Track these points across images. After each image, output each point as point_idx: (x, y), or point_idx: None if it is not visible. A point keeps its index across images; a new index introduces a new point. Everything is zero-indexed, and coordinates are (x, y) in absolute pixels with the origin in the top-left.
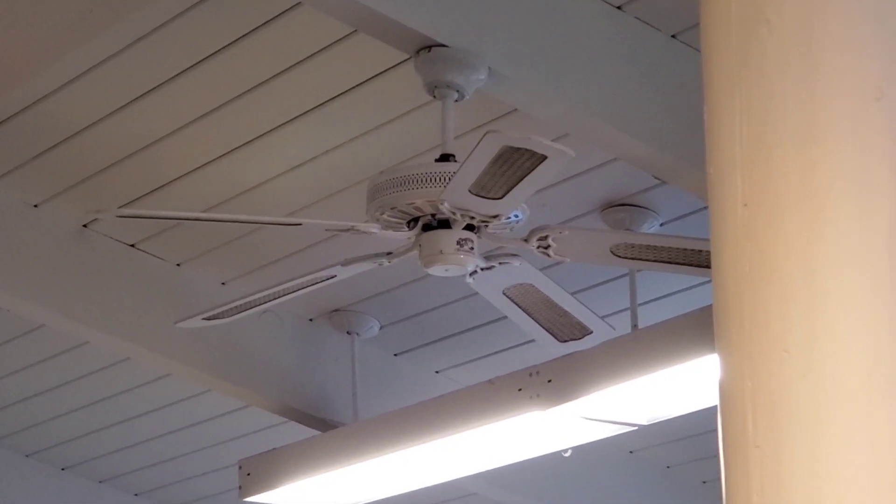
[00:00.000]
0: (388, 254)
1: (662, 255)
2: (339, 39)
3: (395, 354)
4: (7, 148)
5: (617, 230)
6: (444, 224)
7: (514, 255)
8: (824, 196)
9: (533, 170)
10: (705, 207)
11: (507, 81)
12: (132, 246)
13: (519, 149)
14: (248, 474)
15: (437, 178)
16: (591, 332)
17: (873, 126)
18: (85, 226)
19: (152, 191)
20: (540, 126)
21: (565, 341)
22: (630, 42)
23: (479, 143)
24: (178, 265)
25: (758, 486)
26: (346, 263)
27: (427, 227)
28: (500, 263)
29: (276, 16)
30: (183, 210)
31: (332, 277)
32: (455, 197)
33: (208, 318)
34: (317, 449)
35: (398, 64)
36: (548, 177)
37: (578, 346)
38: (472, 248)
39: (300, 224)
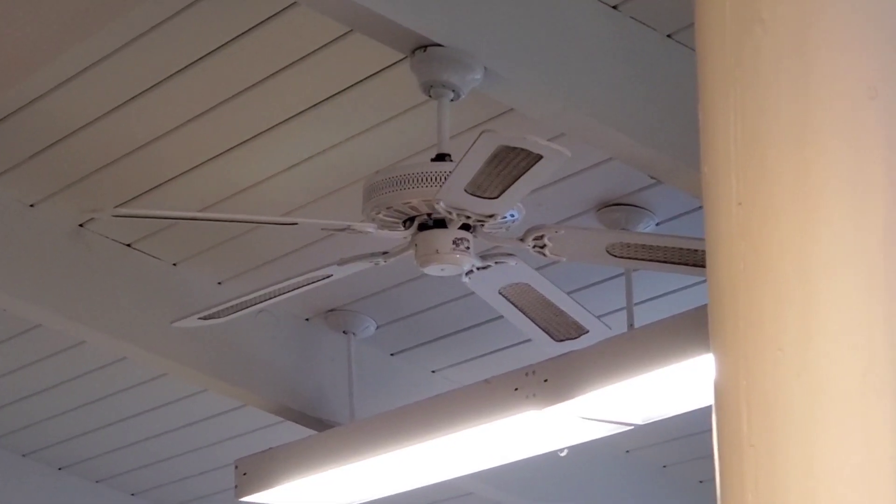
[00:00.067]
0: (385, 253)
1: (658, 254)
2: (335, 39)
3: (392, 354)
4: (3, 147)
5: (613, 230)
6: (440, 224)
7: (510, 254)
8: (818, 195)
9: (528, 169)
10: (701, 207)
11: (503, 81)
12: (128, 245)
13: (514, 148)
14: (245, 474)
15: (433, 178)
16: (587, 332)
17: (867, 125)
18: (81, 225)
19: (149, 190)
20: (536, 126)
21: (561, 341)
22: (626, 42)
23: (474, 142)
24: (174, 265)
25: (752, 486)
26: (342, 263)
27: (423, 227)
28: (495, 263)
29: (272, 15)
30: (179, 210)
31: (329, 277)
32: (451, 196)
33: (204, 318)
34: (313, 449)
35: (394, 63)
36: (543, 176)
37: (574, 346)
38: (467, 248)
39: (296, 223)
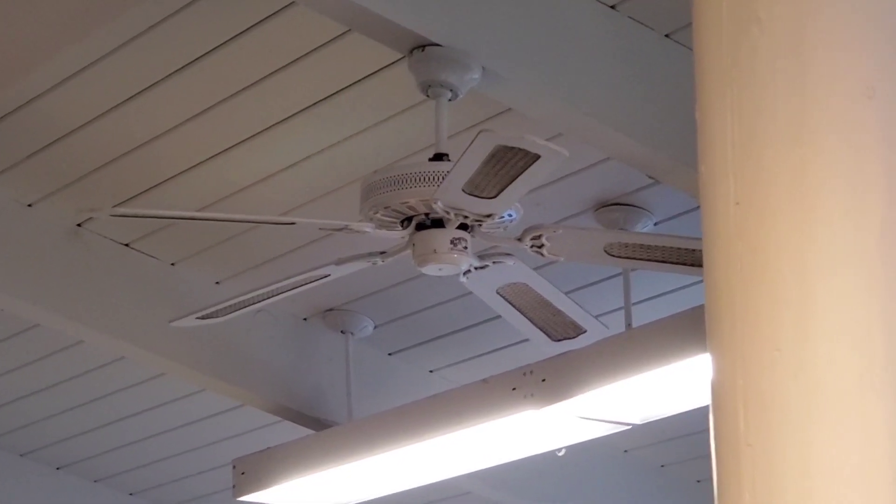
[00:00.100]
0: (382, 253)
1: (656, 254)
2: (333, 39)
3: (390, 354)
4: (1, 147)
5: (611, 229)
6: (438, 223)
7: (508, 254)
8: (816, 195)
9: (526, 169)
10: (699, 207)
11: (501, 81)
12: (126, 245)
13: (512, 148)
14: (243, 473)
15: (431, 178)
16: (585, 331)
17: (865, 125)
18: (79, 225)
19: (147, 190)
20: (534, 125)
21: (559, 340)
22: (624, 41)
23: (472, 142)
24: (172, 264)
25: (749, 485)
26: (339, 262)
27: (421, 227)
28: (493, 262)
29: (270, 15)
30: (177, 209)
31: (326, 277)
32: (449, 196)
33: (202, 318)
34: (311, 448)
35: (392, 63)
36: (541, 176)
37: (572, 346)
38: (465, 248)
39: (294, 223)
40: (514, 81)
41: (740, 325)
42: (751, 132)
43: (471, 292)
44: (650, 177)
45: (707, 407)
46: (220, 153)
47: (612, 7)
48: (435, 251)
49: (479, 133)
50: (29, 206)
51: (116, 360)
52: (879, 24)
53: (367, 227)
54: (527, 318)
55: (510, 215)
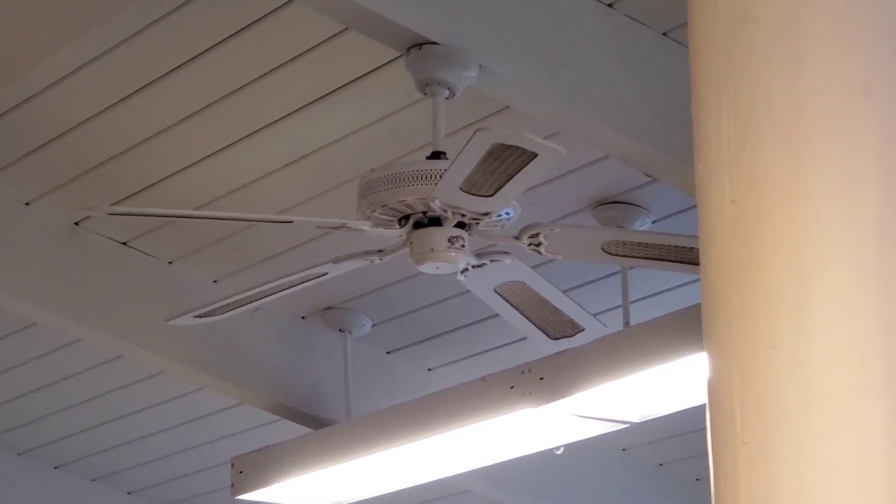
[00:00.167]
0: (380, 251)
1: (654, 252)
2: (330, 37)
3: (388, 352)
4: None
5: (608, 228)
6: (436, 221)
7: (506, 252)
8: (812, 192)
9: (524, 167)
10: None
11: (498, 79)
12: (124, 244)
13: (509, 146)
14: (241, 472)
15: (428, 176)
16: (583, 330)
17: (860, 122)
18: (77, 223)
19: (144, 188)
20: (531, 123)
21: (557, 339)
22: (621, 40)
23: (469, 140)
24: (170, 263)
25: (745, 483)
26: (337, 261)
27: (418, 225)
28: (491, 261)
29: (268, 13)
30: (175, 208)
31: (324, 275)
32: (446, 194)
33: (200, 316)
34: (309, 446)
35: (389, 61)
36: (538, 174)
37: (570, 344)
38: (463, 246)
39: (291, 221)
40: (512, 79)
41: (736, 323)
42: (746, 130)
43: (468, 291)
44: (648, 175)
45: (705, 405)
46: (217, 151)
47: (610, 5)
48: (432, 249)
49: (476, 131)
50: (26, 204)
51: (114, 359)
52: (875, 22)
53: (365, 226)
54: (525, 316)
55: (508, 213)
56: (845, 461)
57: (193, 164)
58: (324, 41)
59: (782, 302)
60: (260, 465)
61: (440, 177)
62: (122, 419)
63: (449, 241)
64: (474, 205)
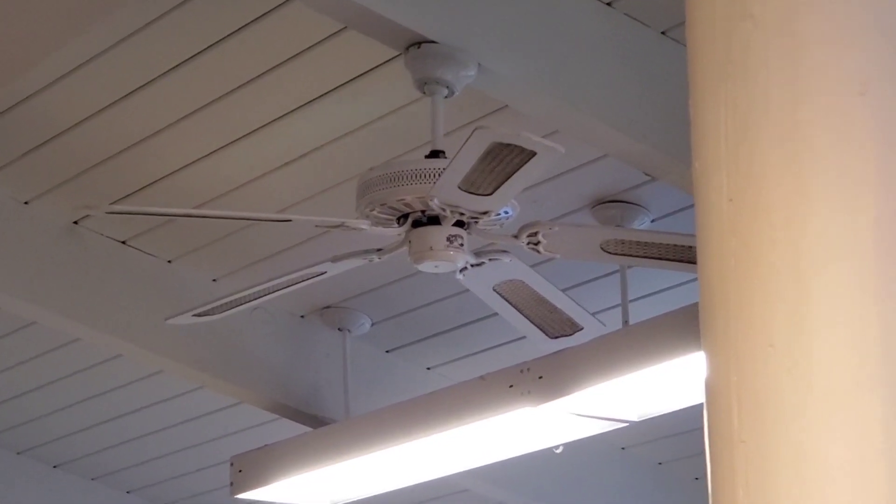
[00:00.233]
0: (379, 250)
1: (652, 251)
2: (329, 36)
3: (387, 351)
4: None
5: (607, 226)
6: (434, 220)
7: (505, 251)
8: (809, 191)
9: (522, 166)
10: None
11: (497, 78)
12: (123, 243)
13: (508, 145)
14: (240, 471)
15: (427, 175)
16: (582, 329)
17: (857, 121)
18: (76, 222)
19: (143, 187)
20: (530, 122)
21: (556, 338)
22: (620, 38)
23: (468, 139)
24: (169, 262)
25: (743, 481)
26: (335, 260)
27: (417, 224)
28: (490, 260)
29: (267, 12)
30: (174, 207)
31: (323, 274)
32: (445, 193)
33: (199, 315)
34: (308, 445)
35: (388, 60)
36: (537, 173)
37: (569, 343)
38: (461, 245)
39: (290, 220)
40: (510, 78)
41: (734, 321)
42: (744, 128)
43: (467, 289)
44: (647, 174)
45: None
46: (216, 150)
47: (609, 4)
48: (431, 248)
49: (474, 130)
50: (25, 203)
51: (113, 358)
52: (873, 21)
53: (364, 225)
54: (523, 315)
55: (506, 212)
56: (843, 460)
57: (192, 162)
58: (322, 40)
59: (780, 300)
60: (259, 463)
61: (439, 175)
62: (122, 418)
63: (448, 239)
64: (473, 203)
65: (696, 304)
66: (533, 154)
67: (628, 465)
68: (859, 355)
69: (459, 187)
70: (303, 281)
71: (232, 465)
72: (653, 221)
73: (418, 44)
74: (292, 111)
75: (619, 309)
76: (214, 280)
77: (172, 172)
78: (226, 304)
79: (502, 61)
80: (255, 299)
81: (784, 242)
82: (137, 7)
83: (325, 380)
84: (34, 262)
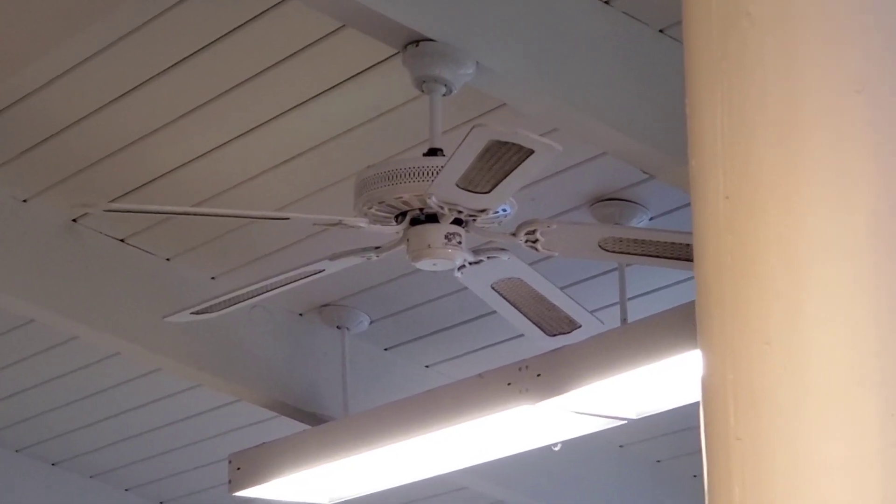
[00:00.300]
0: (377, 248)
1: (651, 249)
2: (327, 34)
3: (385, 349)
4: None
5: (605, 224)
6: (432, 218)
7: (503, 249)
8: (805, 188)
9: (520, 164)
10: None
11: (495, 76)
12: (122, 241)
13: (506, 143)
14: (238, 469)
15: (425, 173)
16: (580, 327)
17: (854, 118)
18: (74, 220)
19: (142, 185)
20: (528, 120)
21: (554, 335)
22: (618, 37)
23: (466, 137)
24: (167, 260)
25: (739, 479)
26: (333, 258)
27: (415, 222)
28: (488, 258)
29: (265, 11)
30: (172, 205)
31: (320, 272)
32: (443, 191)
33: (197, 313)
34: (307, 443)
35: (386, 59)
36: (535, 171)
37: (567, 341)
38: (459, 243)
39: (288, 218)
40: (509, 77)
41: (730, 319)
42: (740, 126)
43: (466, 287)
44: (645, 172)
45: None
46: (215, 148)
47: (606, 2)
48: (429, 246)
49: (472, 128)
50: (24, 201)
51: (112, 356)
52: (869, 20)
53: (362, 223)
54: (522, 313)
55: (504, 210)
56: (839, 457)
57: (191, 160)
58: (321, 38)
59: (776, 297)
60: (257, 461)
61: (437, 173)
62: (120, 416)
63: (446, 237)
64: (471, 201)
65: (693, 303)
66: (531, 152)
67: (626, 462)
68: (855, 353)
69: (457, 185)
70: (301, 279)
71: (230, 462)
72: (651, 219)
73: (416, 42)
74: (290, 109)
75: (618, 307)
76: (213, 278)
77: (171, 170)
78: (224, 301)
79: (500, 59)
80: (254, 297)
81: (780, 240)
82: (135, 6)
83: (324, 377)
84: (32, 261)
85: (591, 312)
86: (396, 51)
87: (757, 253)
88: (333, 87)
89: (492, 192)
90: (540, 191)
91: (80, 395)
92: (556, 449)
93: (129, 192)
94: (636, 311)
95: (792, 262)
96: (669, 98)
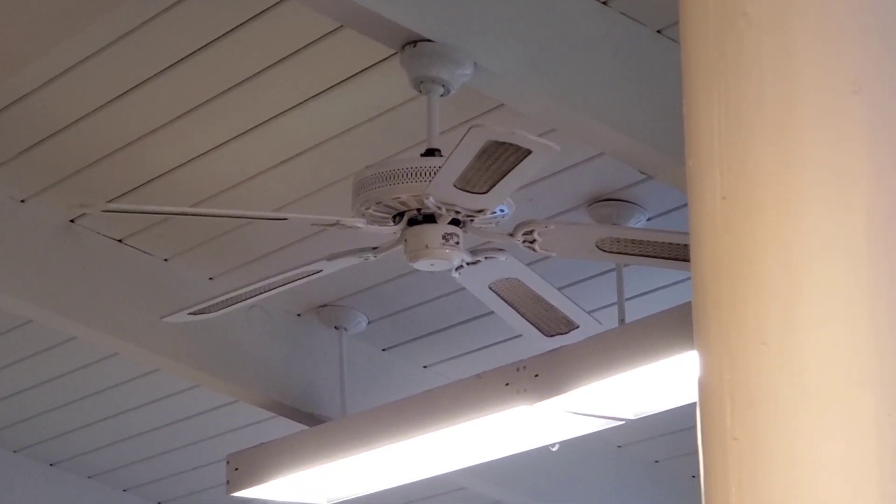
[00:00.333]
0: (374, 248)
1: (648, 249)
2: (325, 35)
3: (383, 349)
4: None
5: (603, 225)
6: (430, 219)
7: (500, 249)
8: (802, 189)
9: (518, 164)
10: None
11: (493, 76)
12: (120, 241)
13: (503, 143)
14: (236, 469)
15: (423, 173)
16: (578, 327)
17: (851, 119)
18: (72, 221)
19: (140, 186)
20: (526, 121)
21: (552, 336)
22: (616, 37)
23: (463, 137)
24: (165, 260)
25: (736, 479)
26: (331, 258)
27: (412, 222)
28: (485, 258)
29: (263, 11)
30: (170, 205)
31: (318, 272)
32: (440, 191)
33: (195, 313)
34: (305, 444)
35: (384, 59)
36: (533, 171)
37: (565, 341)
38: (457, 243)
39: (286, 219)
40: (506, 77)
41: (727, 319)
42: (737, 126)
43: (463, 288)
44: (643, 172)
45: None
46: (212, 149)
47: (604, 3)
48: (427, 246)
49: (470, 128)
50: (22, 202)
51: (110, 357)
52: (867, 19)
53: (359, 223)
54: (519, 313)
55: (502, 210)
56: (836, 457)
57: (189, 161)
58: (318, 39)
59: (773, 298)
60: (255, 462)
61: (435, 174)
62: (118, 416)
63: (443, 238)
64: (469, 202)
65: (691, 303)
66: (528, 152)
67: (624, 463)
68: (852, 353)
69: (455, 185)
70: (299, 279)
71: (228, 463)
72: (649, 220)
73: (414, 42)
74: (288, 110)
75: (616, 307)
76: (211, 278)
77: (169, 171)
78: (222, 302)
79: (498, 60)
80: (252, 297)
81: (777, 240)
82: (134, 6)
83: (322, 378)
84: (30, 261)
85: (589, 313)
86: (394, 51)
87: (754, 253)
88: (331, 87)
89: (489, 193)
90: (537, 191)
91: (79, 396)
92: (554, 449)
93: (127, 192)
94: (634, 311)
95: (789, 262)
96: (667, 98)
